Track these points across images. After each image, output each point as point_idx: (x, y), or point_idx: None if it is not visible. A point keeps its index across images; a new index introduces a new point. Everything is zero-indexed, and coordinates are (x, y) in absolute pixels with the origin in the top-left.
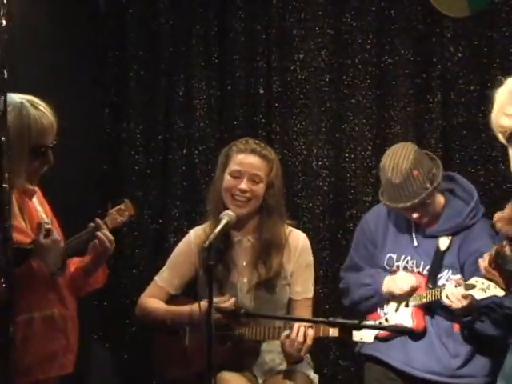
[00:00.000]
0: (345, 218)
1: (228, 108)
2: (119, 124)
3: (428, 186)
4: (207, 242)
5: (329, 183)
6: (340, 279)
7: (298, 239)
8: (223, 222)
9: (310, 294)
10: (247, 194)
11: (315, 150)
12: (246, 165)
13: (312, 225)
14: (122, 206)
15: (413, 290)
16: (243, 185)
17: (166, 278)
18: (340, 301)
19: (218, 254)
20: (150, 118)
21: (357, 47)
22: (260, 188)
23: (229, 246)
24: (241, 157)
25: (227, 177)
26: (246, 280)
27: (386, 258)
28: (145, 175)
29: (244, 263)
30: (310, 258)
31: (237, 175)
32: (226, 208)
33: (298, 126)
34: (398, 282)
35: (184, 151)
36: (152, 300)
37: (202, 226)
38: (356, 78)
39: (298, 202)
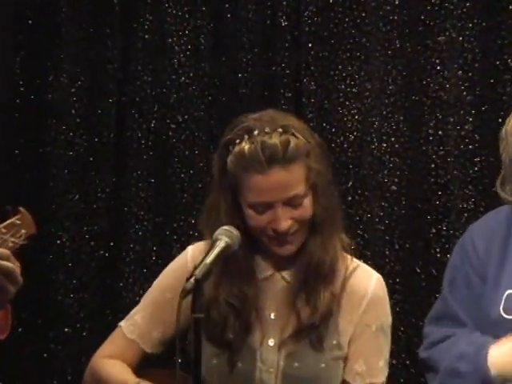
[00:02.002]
0: (427, 239)
1: (227, 51)
2: (42, 78)
3: None
4: (193, 279)
5: (400, 180)
6: (424, 337)
7: (366, 282)
8: (220, 245)
9: (380, 378)
10: (291, 230)
11: (376, 124)
12: (273, 191)
13: (371, 250)
14: (14, 220)
15: None
16: (282, 224)
17: (141, 326)
18: (420, 380)
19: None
20: (94, 67)
21: None
22: (306, 207)
23: (250, 286)
24: (259, 180)
25: (248, 211)
26: (273, 342)
27: (504, 298)
28: (85, 166)
29: (272, 315)
30: (386, 318)
31: (263, 209)
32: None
33: (348, 81)
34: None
35: (152, 125)
36: (112, 363)
37: (208, 242)
38: None
39: (348, 211)
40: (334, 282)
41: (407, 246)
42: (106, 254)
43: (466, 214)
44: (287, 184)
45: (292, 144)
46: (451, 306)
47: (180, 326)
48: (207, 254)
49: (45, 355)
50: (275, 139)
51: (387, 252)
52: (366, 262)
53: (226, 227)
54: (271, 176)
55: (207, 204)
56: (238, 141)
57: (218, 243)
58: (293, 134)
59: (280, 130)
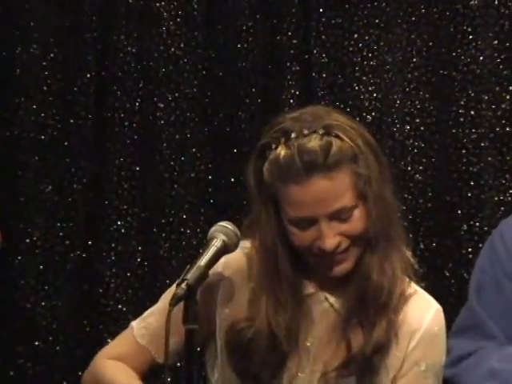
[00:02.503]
0: (458, 238)
1: (223, 18)
2: (8, 50)
3: None
4: (184, 284)
5: (426, 168)
6: (448, 351)
7: (421, 314)
8: (216, 244)
9: None
10: (341, 247)
11: (398, 102)
12: (315, 204)
13: None
14: None
15: None
16: (328, 242)
17: (154, 331)
18: None
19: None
20: (69, 37)
21: None
22: (356, 221)
23: (289, 303)
24: (298, 192)
25: (290, 227)
26: (304, 373)
27: None
28: (59, 153)
29: (309, 342)
30: (439, 357)
31: (306, 225)
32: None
33: (364, 52)
34: None
35: (137, 104)
36: (115, 365)
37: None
38: None
39: None
40: (392, 309)
41: (434, 245)
42: (84, 255)
43: (502, 208)
44: (331, 195)
45: (334, 148)
46: (478, 314)
47: (209, 332)
48: (201, 254)
49: (11, 373)
50: (314, 143)
51: (410, 252)
52: None
53: (222, 223)
54: (311, 187)
55: (252, 215)
56: (274, 145)
57: (213, 242)
58: (336, 136)
59: (321, 131)
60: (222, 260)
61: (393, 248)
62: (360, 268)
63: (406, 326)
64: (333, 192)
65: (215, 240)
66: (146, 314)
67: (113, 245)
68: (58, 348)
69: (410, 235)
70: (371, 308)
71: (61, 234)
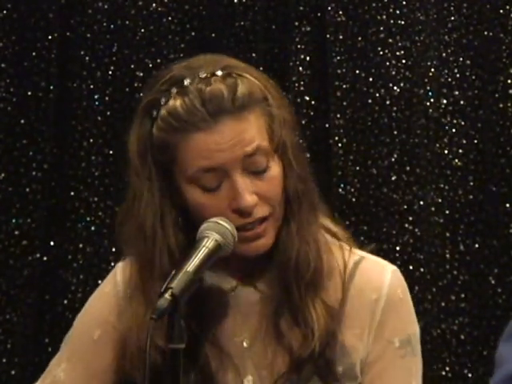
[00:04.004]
0: (505, 237)
1: None
2: None
3: None
4: (168, 294)
5: (467, 151)
6: (495, 363)
7: (377, 280)
8: (207, 245)
9: None
10: (260, 213)
11: (433, 70)
12: (225, 150)
13: (425, 253)
14: None
15: None
16: (244, 198)
17: (63, 381)
18: None
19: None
20: None
21: None
22: (275, 175)
23: (210, 307)
24: (203, 140)
25: (192, 190)
26: (250, 380)
27: None
28: (14, 132)
29: (245, 343)
30: (412, 327)
31: (215, 183)
32: None
33: (391, 9)
34: None
35: (110, 72)
36: None
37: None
38: None
39: (391, 196)
40: (327, 286)
41: (477, 246)
42: (44, 258)
43: None
44: (243, 136)
45: (241, 87)
46: None
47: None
48: (189, 257)
49: None
50: (217, 85)
51: (448, 255)
52: (417, 268)
53: (215, 219)
54: (220, 131)
55: (124, 208)
56: (163, 100)
57: (204, 242)
58: (239, 75)
59: (220, 72)
60: (120, 274)
61: (315, 215)
62: (279, 244)
63: (362, 298)
64: (245, 132)
65: (206, 240)
66: (48, 367)
67: (80, 246)
68: (12, 373)
69: (447, 234)
70: (299, 290)
71: (16, 232)
